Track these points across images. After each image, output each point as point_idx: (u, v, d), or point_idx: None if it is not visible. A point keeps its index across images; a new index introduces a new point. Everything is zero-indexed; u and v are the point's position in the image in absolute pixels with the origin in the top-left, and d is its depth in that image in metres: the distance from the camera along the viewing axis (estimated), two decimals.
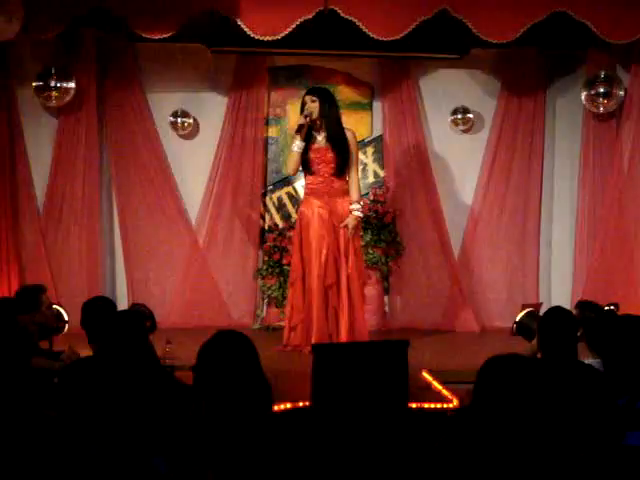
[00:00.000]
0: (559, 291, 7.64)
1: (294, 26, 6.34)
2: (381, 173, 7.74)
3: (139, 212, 7.49)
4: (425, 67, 7.72)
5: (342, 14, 6.34)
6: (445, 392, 4.82)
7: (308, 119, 6.09)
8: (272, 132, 7.67)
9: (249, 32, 6.39)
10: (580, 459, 2.74)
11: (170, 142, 7.54)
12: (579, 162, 7.56)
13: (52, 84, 7.10)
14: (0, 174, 7.07)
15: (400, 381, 4.32)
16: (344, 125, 6.26)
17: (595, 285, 7.24)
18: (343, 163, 6.15)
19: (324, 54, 7.54)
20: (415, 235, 7.62)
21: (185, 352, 4.46)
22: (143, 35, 6.46)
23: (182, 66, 7.48)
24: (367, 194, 7.54)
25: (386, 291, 7.60)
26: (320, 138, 6.19)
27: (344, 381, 4.22)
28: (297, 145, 6.15)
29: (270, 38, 6.43)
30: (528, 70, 7.61)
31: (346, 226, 6.12)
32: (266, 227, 7.62)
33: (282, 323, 6.64)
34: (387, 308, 7.59)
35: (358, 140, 6.52)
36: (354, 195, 6.20)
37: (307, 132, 6.14)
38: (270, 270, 7.39)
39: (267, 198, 7.66)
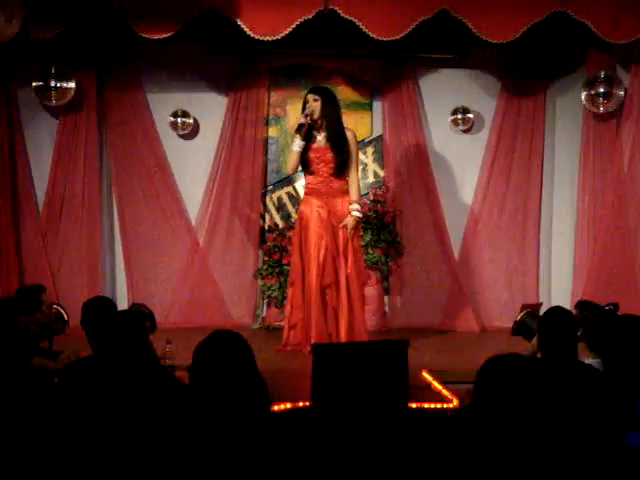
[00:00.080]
0: (559, 291, 7.62)
1: (294, 26, 6.33)
2: (381, 173, 7.73)
3: (139, 212, 7.48)
4: (425, 67, 7.72)
5: (342, 14, 6.34)
6: (445, 392, 4.83)
7: (309, 118, 6.09)
8: (272, 132, 7.66)
9: (249, 32, 6.38)
10: (580, 459, 2.75)
11: (170, 142, 7.54)
12: (579, 162, 7.54)
13: (52, 84, 7.11)
14: (0, 174, 7.07)
15: (400, 381, 4.31)
16: (344, 125, 6.26)
17: (595, 285, 7.23)
18: (342, 163, 6.15)
19: (324, 54, 7.53)
20: (415, 235, 7.61)
21: (185, 352, 4.44)
22: (143, 35, 6.45)
23: (182, 66, 7.49)
24: (367, 194, 7.54)
25: (386, 291, 7.59)
26: (320, 138, 6.18)
27: (344, 381, 4.21)
28: (297, 144, 6.15)
29: (270, 38, 6.42)
30: (528, 70, 7.61)
31: (345, 226, 6.12)
32: (266, 227, 7.61)
33: (282, 323, 6.63)
34: (387, 308, 7.58)
35: (358, 140, 6.52)
36: (354, 195, 6.20)
37: (307, 131, 6.15)
38: (270, 270, 7.39)
39: (267, 198, 7.66)
